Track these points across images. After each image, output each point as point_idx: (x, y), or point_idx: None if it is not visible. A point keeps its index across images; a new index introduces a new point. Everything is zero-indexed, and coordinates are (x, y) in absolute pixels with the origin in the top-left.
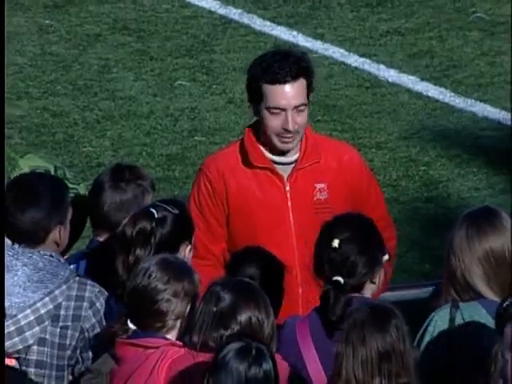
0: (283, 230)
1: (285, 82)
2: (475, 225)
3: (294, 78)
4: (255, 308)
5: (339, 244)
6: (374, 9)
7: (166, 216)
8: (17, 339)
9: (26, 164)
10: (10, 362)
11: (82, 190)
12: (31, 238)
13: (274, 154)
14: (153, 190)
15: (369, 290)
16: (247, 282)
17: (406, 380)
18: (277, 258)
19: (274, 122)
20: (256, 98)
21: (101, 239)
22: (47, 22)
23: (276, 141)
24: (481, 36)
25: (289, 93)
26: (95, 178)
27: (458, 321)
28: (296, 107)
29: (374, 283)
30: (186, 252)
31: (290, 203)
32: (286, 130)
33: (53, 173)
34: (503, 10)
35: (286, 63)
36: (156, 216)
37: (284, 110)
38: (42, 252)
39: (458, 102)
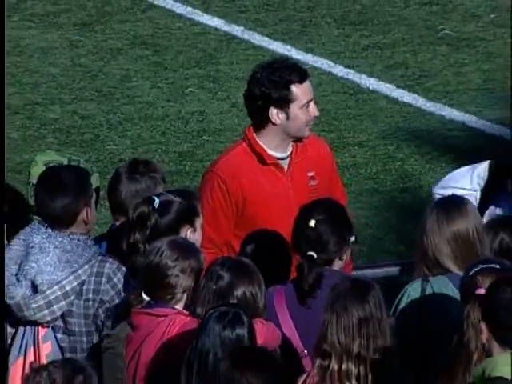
0: (289, 214)
1: (307, 77)
2: (444, 211)
3: (305, 78)
4: (249, 284)
5: (315, 224)
6: (357, 26)
7: (170, 202)
8: (46, 312)
9: (41, 159)
10: (43, 329)
11: (93, 179)
12: (63, 221)
13: (276, 151)
14: (164, 182)
15: (337, 265)
16: (242, 260)
17: (382, 342)
18: (283, 238)
19: (305, 115)
20: (285, 102)
21: (118, 223)
22: (77, 38)
23: (305, 131)
24: (448, 50)
25: (310, 85)
26: (114, 170)
27: (429, 292)
28: (310, 97)
29: (341, 260)
30: (186, 233)
31: (291, 191)
32: (315, 117)
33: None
34: (467, 28)
35: (295, 64)
36: (156, 202)
37: (311, 100)
38: (71, 236)
39: (429, 106)
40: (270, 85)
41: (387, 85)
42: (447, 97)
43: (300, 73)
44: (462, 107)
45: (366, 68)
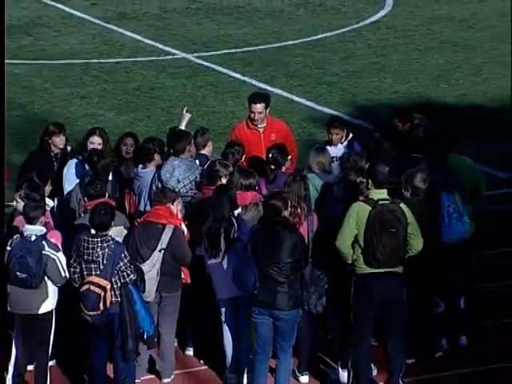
0: (261, 150)
1: (255, 103)
2: (315, 153)
3: (259, 102)
4: (246, 178)
5: (272, 155)
6: (292, 77)
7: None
8: (184, 188)
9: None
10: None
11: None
12: (182, 151)
13: (257, 124)
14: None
15: (283, 168)
16: (247, 169)
17: (305, 206)
18: (261, 158)
19: (251, 115)
20: (248, 106)
21: (205, 152)
22: (184, 82)
23: (253, 121)
24: (329, 87)
25: (256, 106)
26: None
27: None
28: (258, 112)
29: (285, 166)
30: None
31: (262, 142)
32: (254, 119)
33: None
34: (341, 79)
35: (256, 97)
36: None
37: (254, 112)
38: (189, 159)
39: (322, 108)
40: (248, 99)
41: (303, 99)
42: (328, 104)
43: (254, 99)
44: (332, 108)
45: (296, 93)
